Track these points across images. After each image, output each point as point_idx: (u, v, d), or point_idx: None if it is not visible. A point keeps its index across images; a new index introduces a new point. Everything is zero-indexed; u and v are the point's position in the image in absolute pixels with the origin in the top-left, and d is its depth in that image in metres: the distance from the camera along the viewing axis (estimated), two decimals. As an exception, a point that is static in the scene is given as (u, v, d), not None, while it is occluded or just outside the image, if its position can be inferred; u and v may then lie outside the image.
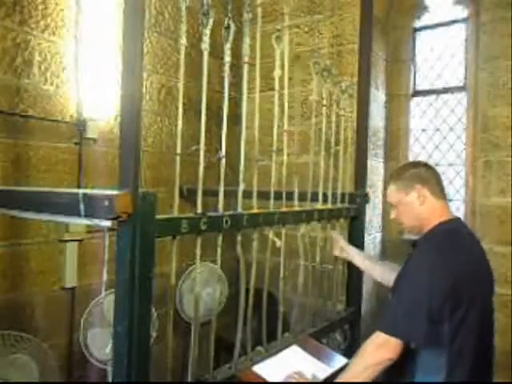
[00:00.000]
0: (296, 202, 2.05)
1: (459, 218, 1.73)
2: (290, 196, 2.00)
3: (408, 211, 1.68)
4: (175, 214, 1.48)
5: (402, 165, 1.92)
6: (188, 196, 2.62)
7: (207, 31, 1.50)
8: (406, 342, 1.46)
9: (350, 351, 2.18)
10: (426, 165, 1.75)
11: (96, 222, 1.21)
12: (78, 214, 1.23)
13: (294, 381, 1.63)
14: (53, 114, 2.30)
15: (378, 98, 3.29)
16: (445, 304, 1.45)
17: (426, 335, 1.44)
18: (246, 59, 1.69)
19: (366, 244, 2.65)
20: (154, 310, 1.93)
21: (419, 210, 1.64)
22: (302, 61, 2.07)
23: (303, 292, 2.14)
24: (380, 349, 1.47)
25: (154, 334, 2.14)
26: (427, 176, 1.67)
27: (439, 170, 3.34)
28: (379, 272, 2.05)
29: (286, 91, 1.97)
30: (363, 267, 2.17)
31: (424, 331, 1.44)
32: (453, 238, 1.59)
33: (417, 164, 1.80)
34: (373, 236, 3.24)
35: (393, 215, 1.76)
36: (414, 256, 1.60)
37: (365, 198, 2.51)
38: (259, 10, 1.80)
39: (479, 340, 1.55)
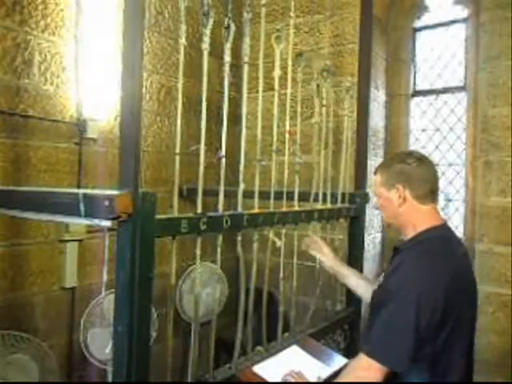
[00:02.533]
0: (296, 202, 2.05)
1: (446, 224, 1.54)
2: (290, 196, 2.00)
3: (387, 207, 1.55)
4: (175, 214, 1.48)
5: (394, 153, 1.72)
6: (188, 196, 2.63)
7: (207, 31, 1.50)
8: (389, 368, 1.31)
9: (349, 351, 2.18)
10: (417, 159, 1.51)
11: (96, 221, 1.21)
12: (78, 214, 1.23)
13: (292, 380, 1.63)
14: (53, 114, 2.30)
15: (377, 97, 3.29)
16: (431, 323, 1.30)
17: (409, 361, 1.29)
18: (246, 59, 1.69)
19: (365, 244, 2.65)
20: (154, 309, 1.93)
21: (397, 211, 1.50)
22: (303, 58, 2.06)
23: (303, 292, 2.14)
24: (363, 372, 1.35)
25: (154, 334, 2.14)
26: (413, 175, 1.47)
27: (439, 170, 3.36)
28: (363, 287, 1.89)
29: (288, 91, 1.97)
30: (340, 273, 2.00)
31: (408, 358, 1.29)
32: (443, 248, 1.44)
33: (408, 157, 1.53)
34: (373, 236, 3.24)
35: (376, 204, 1.65)
36: (398, 268, 1.42)
37: (365, 198, 2.51)
38: (263, 9, 1.80)
39: (465, 358, 1.41)
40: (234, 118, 2.23)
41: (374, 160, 3.24)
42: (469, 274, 1.48)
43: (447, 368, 1.35)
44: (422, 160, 1.52)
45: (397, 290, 1.35)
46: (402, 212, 1.49)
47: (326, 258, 2.04)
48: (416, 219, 1.48)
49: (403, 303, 1.32)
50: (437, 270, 1.35)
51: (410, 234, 1.49)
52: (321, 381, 1.68)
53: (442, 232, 1.48)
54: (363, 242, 2.54)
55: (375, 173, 1.61)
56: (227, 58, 1.60)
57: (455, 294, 1.34)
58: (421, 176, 1.48)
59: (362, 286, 1.92)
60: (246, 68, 1.71)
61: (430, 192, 1.48)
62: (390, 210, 1.54)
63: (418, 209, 1.48)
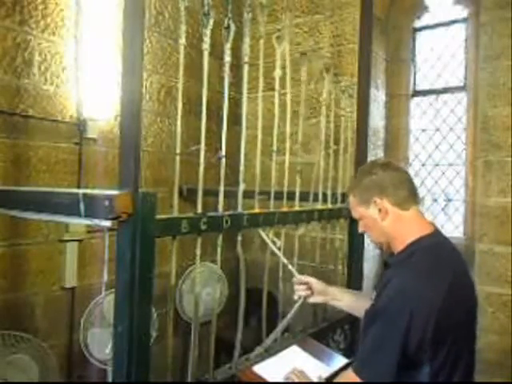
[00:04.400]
0: (297, 202, 2.05)
1: (437, 229, 1.42)
2: (290, 196, 2.00)
3: (371, 227, 1.43)
4: (175, 214, 1.48)
5: (360, 168, 1.59)
6: (188, 196, 2.62)
7: (208, 31, 1.50)
8: None
9: (349, 351, 2.18)
10: (382, 165, 1.42)
11: (96, 221, 1.21)
12: (78, 214, 1.24)
13: (294, 378, 1.63)
14: (53, 114, 2.30)
15: (377, 98, 3.29)
16: (424, 341, 1.22)
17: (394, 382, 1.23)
18: (246, 59, 1.69)
19: (365, 244, 2.65)
20: (154, 309, 1.93)
21: (382, 227, 1.39)
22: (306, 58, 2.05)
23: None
24: None
25: (154, 334, 2.14)
26: (385, 182, 1.37)
27: (439, 170, 3.36)
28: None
29: (288, 90, 1.97)
30: (353, 310, 1.77)
31: (391, 379, 1.22)
32: (435, 260, 1.32)
33: (372, 167, 1.44)
34: (373, 236, 3.24)
35: (360, 228, 1.50)
36: (388, 283, 1.32)
37: (365, 198, 2.50)
38: (265, 10, 1.80)
39: (464, 373, 1.32)
40: (234, 118, 2.23)
41: (374, 160, 3.25)
42: (466, 285, 1.37)
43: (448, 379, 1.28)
44: (387, 165, 1.43)
45: (385, 308, 1.28)
46: (387, 226, 1.38)
47: (335, 299, 1.80)
48: (402, 230, 1.37)
49: (391, 322, 1.25)
50: (430, 289, 1.25)
51: (399, 246, 1.38)
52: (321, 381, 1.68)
53: (431, 241, 1.36)
54: (363, 242, 2.54)
55: (349, 196, 1.51)
56: (227, 58, 1.60)
57: (451, 308, 1.26)
58: (392, 180, 1.38)
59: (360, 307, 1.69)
60: (246, 68, 1.71)
61: (408, 195, 1.38)
62: (376, 228, 1.42)
63: (402, 217, 1.37)
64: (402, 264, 1.34)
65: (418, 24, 3.39)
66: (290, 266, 1.85)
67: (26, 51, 2.18)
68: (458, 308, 1.28)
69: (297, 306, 1.81)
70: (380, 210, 1.37)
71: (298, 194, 2.05)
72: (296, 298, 1.80)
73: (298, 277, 1.82)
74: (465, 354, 1.31)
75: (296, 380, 1.61)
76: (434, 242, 1.37)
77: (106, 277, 1.33)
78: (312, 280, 1.79)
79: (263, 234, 1.81)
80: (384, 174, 1.38)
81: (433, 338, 1.22)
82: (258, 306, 1.88)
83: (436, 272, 1.29)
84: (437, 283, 1.26)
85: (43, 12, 2.25)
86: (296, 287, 1.80)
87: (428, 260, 1.32)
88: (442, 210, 3.27)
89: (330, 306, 2.32)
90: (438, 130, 3.33)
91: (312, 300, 1.80)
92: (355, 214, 1.48)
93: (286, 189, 1.96)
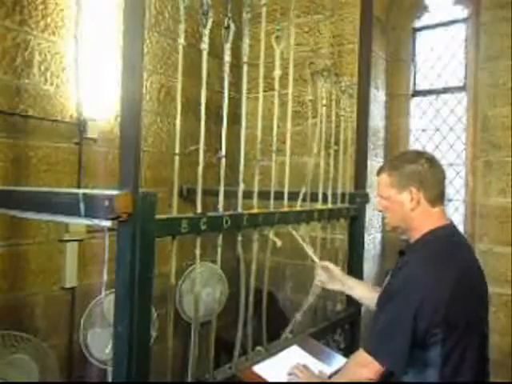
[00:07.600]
0: (299, 202, 2.05)
1: (452, 224, 1.49)
2: (290, 196, 2.00)
3: (396, 210, 1.47)
4: (175, 214, 1.48)
5: (402, 152, 1.59)
6: (188, 196, 2.63)
7: (206, 31, 1.50)
8: (385, 367, 1.32)
9: (349, 351, 2.18)
10: (428, 160, 1.45)
11: (96, 222, 1.21)
12: (78, 214, 1.24)
13: (297, 372, 1.63)
14: (53, 114, 2.30)
15: (377, 97, 3.29)
16: (436, 325, 1.29)
17: (405, 362, 1.30)
18: (246, 59, 1.69)
19: (366, 244, 2.65)
20: (154, 309, 1.93)
21: (408, 214, 1.44)
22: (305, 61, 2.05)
23: (303, 292, 2.14)
24: (360, 367, 1.37)
25: (153, 334, 2.14)
26: (427, 176, 1.42)
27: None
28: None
29: (290, 91, 1.97)
30: (365, 299, 1.82)
31: (404, 360, 1.30)
32: (448, 248, 1.40)
33: (419, 157, 1.46)
34: (373, 236, 3.24)
35: (378, 206, 1.54)
36: (403, 267, 1.41)
37: (365, 198, 2.51)
38: (264, 9, 1.80)
39: (477, 361, 1.38)
40: (233, 118, 2.23)
41: (374, 160, 3.24)
42: (475, 273, 1.44)
43: (458, 366, 1.33)
44: (433, 161, 1.47)
45: (399, 289, 1.36)
46: (413, 216, 1.43)
47: (352, 290, 1.86)
48: (425, 222, 1.43)
49: (404, 304, 1.32)
50: (441, 273, 1.32)
51: (415, 235, 1.45)
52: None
53: (447, 232, 1.44)
54: (363, 242, 2.54)
55: (380, 173, 1.52)
56: (227, 58, 1.60)
57: (462, 295, 1.32)
58: (434, 177, 1.43)
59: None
60: (245, 68, 1.71)
61: (439, 194, 1.45)
62: (400, 213, 1.46)
63: (429, 212, 1.43)
64: (417, 251, 1.42)
65: (417, 24, 3.39)
66: (310, 252, 1.95)
67: (26, 51, 2.18)
68: (468, 294, 1.35)
69: (315, 290, 1.98)
70: (412, 199, 1.42)
71: (301, 194, 2.05)
72: (317, 282, 1.92)
73: (319, 262, 1.92)
74: (477, 338, 1.37)
75: (300, 374, 1.61)
76: (447, 233, 1.45)
77: (105, 277, 1.33)
78: (333, 267, 1.88)
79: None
80: (429, 169, 1.43)
81: (444, 322, 1.29)
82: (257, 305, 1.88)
83: (446, 260, 1.36)
84: (447, 271, 1.33)
85: (43, 12, 2.25)
86: (318, 271, 1.91)
87: (439, 249, 1.39)
88: (442, 210, 3.26)
89: (330, 306, 2.34)
90: (438, 130, 3.33)
91: (331, 286, 1.90)
92: (382, 193, 1.52)
93: (286, 189, 1.96)
